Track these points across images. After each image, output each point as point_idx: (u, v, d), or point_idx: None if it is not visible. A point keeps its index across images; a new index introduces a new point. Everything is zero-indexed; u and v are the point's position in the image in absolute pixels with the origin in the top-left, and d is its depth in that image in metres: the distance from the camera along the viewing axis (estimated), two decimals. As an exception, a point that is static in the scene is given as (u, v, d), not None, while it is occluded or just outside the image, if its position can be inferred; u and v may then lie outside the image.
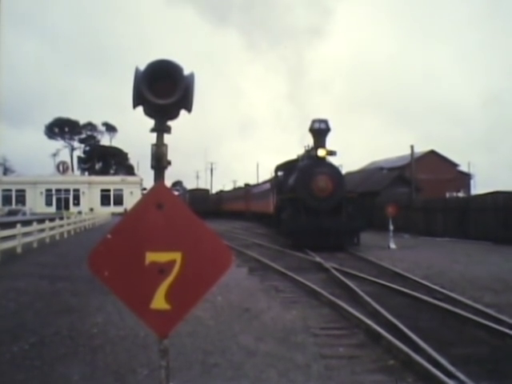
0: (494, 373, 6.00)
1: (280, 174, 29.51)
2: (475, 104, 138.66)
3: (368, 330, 7.66)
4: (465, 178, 61.46)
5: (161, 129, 2.86)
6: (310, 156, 24.07)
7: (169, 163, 2.90)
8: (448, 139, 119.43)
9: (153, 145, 2.86)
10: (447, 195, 47.23)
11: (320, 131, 23.47)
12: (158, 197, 2.72)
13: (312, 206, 22.00)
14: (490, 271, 14.12)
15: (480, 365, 6.22)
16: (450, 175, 56.95)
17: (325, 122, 23.48)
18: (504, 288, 11.50)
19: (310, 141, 24.55)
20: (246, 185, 56.37)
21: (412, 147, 37.13)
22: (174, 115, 2.89)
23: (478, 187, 71.83)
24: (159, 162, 2.85)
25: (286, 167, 28.05)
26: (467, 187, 60.30)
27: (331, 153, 23.45)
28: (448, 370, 5.62)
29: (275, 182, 30.35)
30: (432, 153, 59.92)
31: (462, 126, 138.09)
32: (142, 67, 2.80)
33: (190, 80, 2.80)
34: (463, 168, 62.84)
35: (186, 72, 2.82)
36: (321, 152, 22.96)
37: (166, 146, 2.88)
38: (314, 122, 23.52)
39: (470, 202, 27.21)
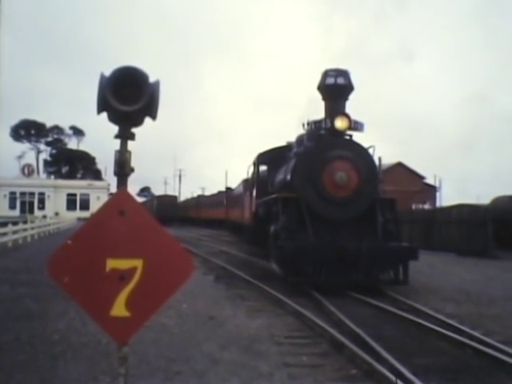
0: (453, 382, 6.11)
1: (263, 168, 19.47)
2: (449, 112, 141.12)
3: (332, 339, 7.71)
4: (431, 191, 62.62)
5: (124, 135, 2.86)
6: (316, 132, 14.67)
7: (132, 170, 2.90)
8: (421, 149, 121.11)
9: (116, 151, 2.86)
10: (413, 207, 48.01)
11: (337, 88, 14.11)
12: (121, 203, 2.71)
13: (323, 213, 13.34)
14: (452, 282, 14.38)
15: (440, 374, 6.31)
16: (416, 187, 57.94)
17: (344, 73, 14.13)
18: (466, 299, 11.71)
19: (313, 114, 15.30)
20: (228, 189, 47.68)
21: (380, 159, 37.55)
22: (139, 122, 2.89)
23: (453, 197, 73.32)
24: (122, 168, 2.85)
25: (273, 157, 18.35)
26: (433, 199, 61.45)
27: (356, 126, 14.09)
28: (409, 380, 5.69)
29: (256, 178, 19.45)
30: (399, 165, 60.95)
31: (435, 135, 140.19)
32: (108, 73, 2.80)
33: (156, 87, 2.81)
34: (429, 180, 64.10)
35: (152, 79, 2.83)
36: (340, 122, 13.60)
37: (129, 152, 2.88)
38: (327, 73, 14.17)
39: (436, 214, 27.73)
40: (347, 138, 14.28)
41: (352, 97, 14.34)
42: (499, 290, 13.14)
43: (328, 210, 13.38)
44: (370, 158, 14.10)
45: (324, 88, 14.30)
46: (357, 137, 14.44)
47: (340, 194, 13.42)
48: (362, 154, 13.89)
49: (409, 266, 12.75)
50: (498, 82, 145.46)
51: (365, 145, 14.21)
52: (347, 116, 13.76)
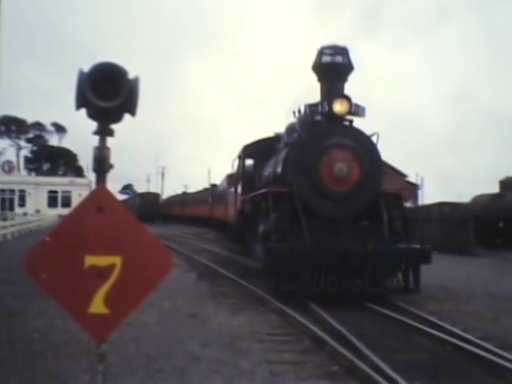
0: (432, 378, 6.18)
1: (249, 161, 17.42)
2: (432, 109, 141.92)
3: (313, 336, 7.74)
4: (413, 189, 63.14)
5: (103, 132, 2.85)
6: (311, 118, 12.81)
7: (111, 167, 2.89)
8: (403, 147, 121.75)
9: (95, 148, 2.85)
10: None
11: (335, 67, 12.31)
12: (99, 200, 2.70)
13: (320, 210, 11.69)
14: (433, 280, 14.46)
15: (420, 370, 6.38)
16: (398, 185, 58.32)
17: (343, 51, 12.32)
18: (446, 296, 11.83)
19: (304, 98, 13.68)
20: (213, 185, 44.40)
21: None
22: (118, 119, 2.88)
23: (435, 195, 74.46)
24: (101, 165, 2.84)
25: (260, 149, 16.41)
26: (415, 197, 61.96)
27: (356, 110, 12.22)
28: (389, 376, 5.74)
29: (241, 172, 17.34)
30: (381, 163, 61.31)
31: (418, 133, 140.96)
32: (87, 69, 2.78)
33: (135, 84, 2.80)
34: (411, 179, 64.73)
35: (132, 75, 2.82)
36: (339, 105, 11.85)
37: (108, 149, 2.87)
38: (323, 50, 12.35)
39: (417, 212, 27.96)
40: (347, 123, 12.51)
41: (352, 77, 12.62)
42: (479, 287, 13.30)
43: (325, 207, 11.69)
44: (373, 146, 12.27)
45: (320, 67, 12.41)
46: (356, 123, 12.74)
47: (339, 188, 11.73)
48: (364, 143, 12.11)
49: (420, 271, 11.12)
50: (482, 79, 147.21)
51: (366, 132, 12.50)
52: (347, 98, 11.92)
